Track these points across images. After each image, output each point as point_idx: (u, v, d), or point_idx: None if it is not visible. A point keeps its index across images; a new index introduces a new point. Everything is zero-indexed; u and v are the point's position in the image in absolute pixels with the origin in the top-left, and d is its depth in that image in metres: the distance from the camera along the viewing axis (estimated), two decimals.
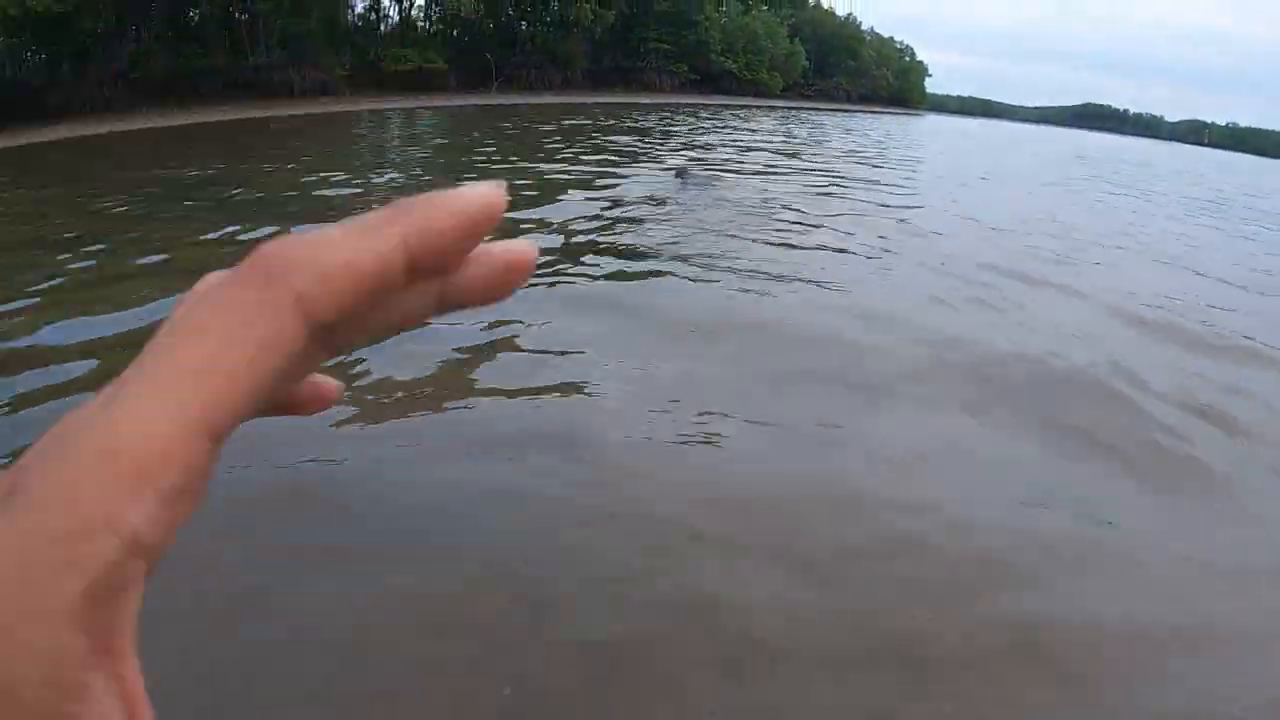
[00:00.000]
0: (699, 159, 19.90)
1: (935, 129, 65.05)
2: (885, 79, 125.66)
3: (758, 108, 71.78)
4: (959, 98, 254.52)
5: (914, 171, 21.48)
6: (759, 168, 18.86)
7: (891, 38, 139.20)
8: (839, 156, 24.84)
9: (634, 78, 75.19)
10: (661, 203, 12.24)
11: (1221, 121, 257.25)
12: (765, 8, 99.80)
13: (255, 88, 54.87)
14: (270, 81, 55.12)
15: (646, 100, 61.84)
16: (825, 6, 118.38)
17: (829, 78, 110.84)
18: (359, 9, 66.60)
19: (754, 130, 37.89)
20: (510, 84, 64.38)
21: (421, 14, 68.34)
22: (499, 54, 66.12)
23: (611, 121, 38.21)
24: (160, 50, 56.38)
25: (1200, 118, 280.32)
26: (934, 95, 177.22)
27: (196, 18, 57.36)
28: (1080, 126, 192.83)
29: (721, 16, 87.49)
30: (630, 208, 12.02)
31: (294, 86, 55.02)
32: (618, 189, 13.97)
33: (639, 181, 14.93)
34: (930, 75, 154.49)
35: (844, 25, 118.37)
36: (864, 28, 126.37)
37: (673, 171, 15.11)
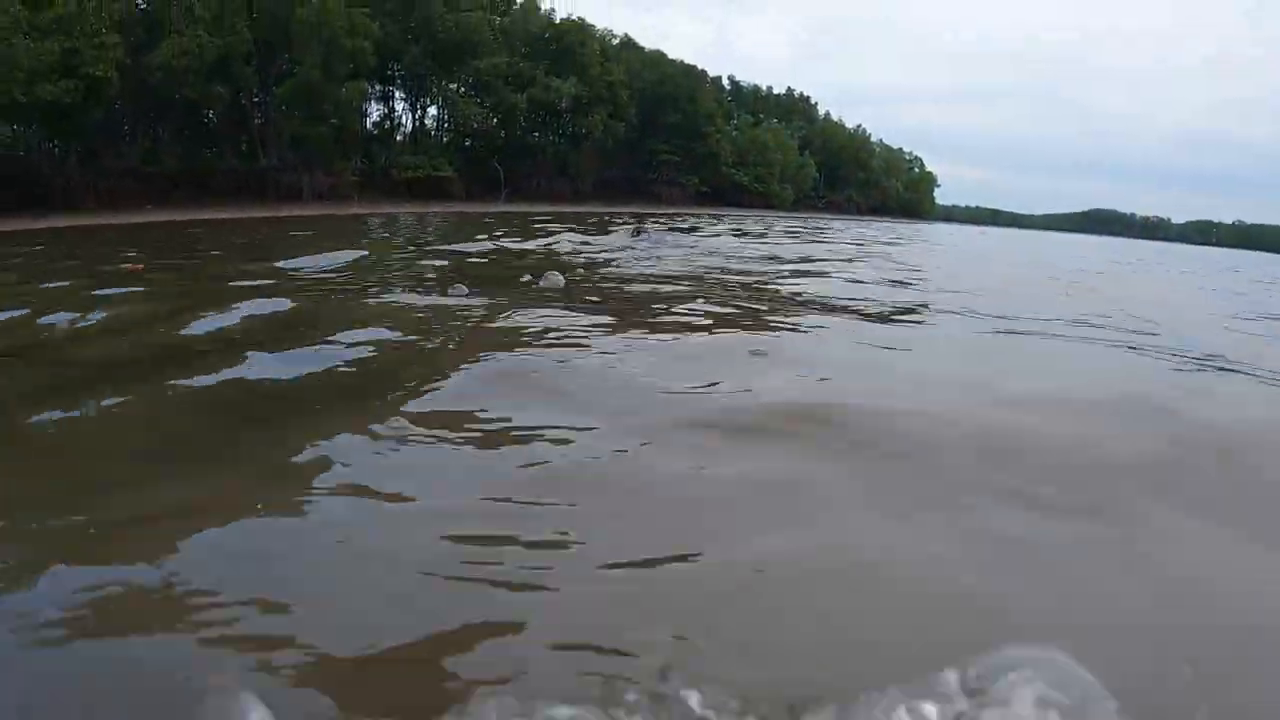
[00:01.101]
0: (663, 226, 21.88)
1: (943, 234, 63.72)
2: (895, 190, 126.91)
3: (764, 218, 71.74)
4: (967, 208, 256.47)
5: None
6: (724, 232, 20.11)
7: (900, 149, 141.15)
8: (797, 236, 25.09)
9: (645, 189, 75.84)
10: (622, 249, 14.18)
11: (1229, 220, 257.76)
12: (775, 121, 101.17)
13: (265, 190, 55.73)
14: (279, 184, 55.96)
15: (654, 210, 61.67)
16: (835, 119, 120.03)
17: (839, 190, 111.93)
18: (374, 117, 68.04)
19: (742, 227, 37.52)
20: (519, 194, 64.58)
21: (435, 123, 68.96)
22: (509, 164, 66.54)
23: (609, 219, 38.00)
24: (172, 148, 57.15)
25: (1208, 218, 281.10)
26: (943, 205, 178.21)
27: (213, 118, 58.09)
28: (1088, 231, 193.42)
29: (732, 129, 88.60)
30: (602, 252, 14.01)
31: (304, 190, 55.05)
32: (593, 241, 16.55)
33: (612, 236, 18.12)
34: (939, 185, 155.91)
35: (853, 137, 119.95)
36: (873, 139, 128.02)
37: (631, 229, 16.65)
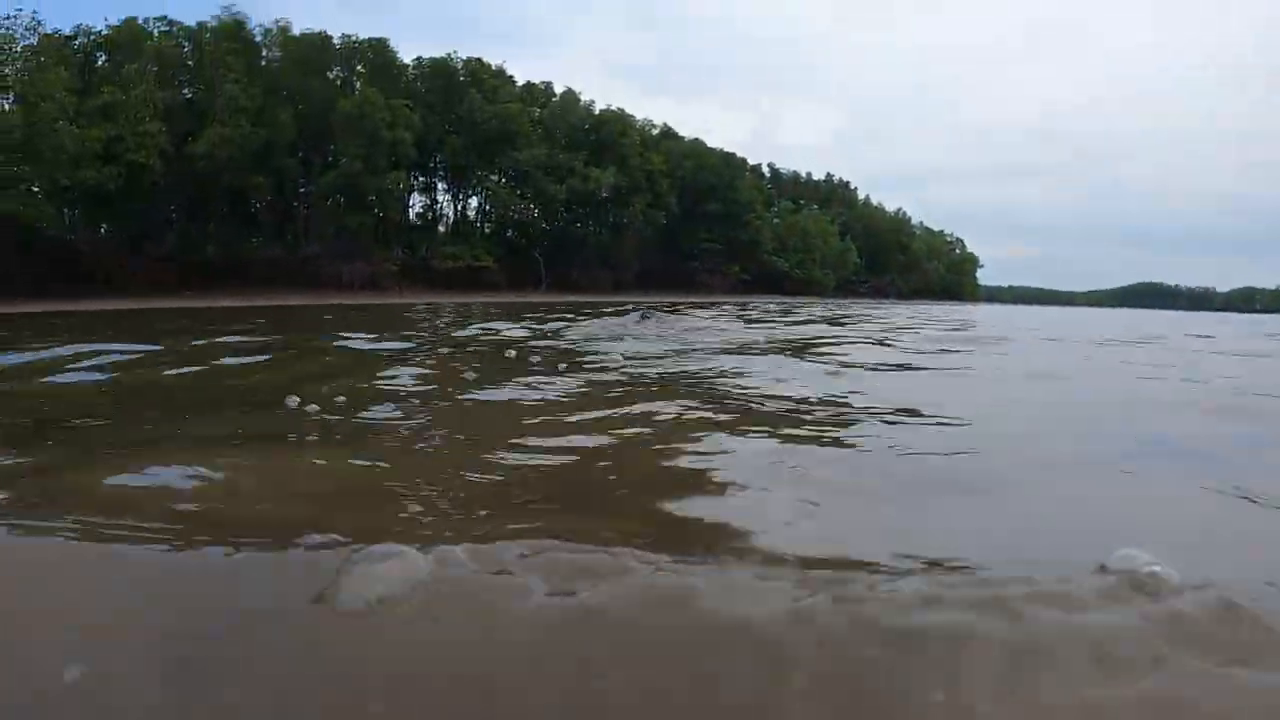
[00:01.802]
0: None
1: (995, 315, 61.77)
2: (937, 272, 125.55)
3: (803, 304, 70.55)
4: (1011, 288, 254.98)
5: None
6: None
7: (942, 231, 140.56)
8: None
9: (686, 278, 75.24)
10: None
11: (1271, 286, 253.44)
12: (816, 207, 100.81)
13: (305, 277, 55.57)
14: (320, 272, 55.78)
15: (693, 299, 60.73)
16: (874, 203, 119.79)
17: (881, 274, 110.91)
18: (417, 208, 68.79)
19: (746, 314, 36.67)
20: (561, 284, 64.16)
21: (476, 214, 69.26)
22: (550, 254, 66.41)
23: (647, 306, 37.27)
24: (215, 235, 57.71)
25: (1252, 284, 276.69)
26: (986, 286, 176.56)
27: (256, 206, 58.69)
28: (1132, 305, 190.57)
29: (772, 216, 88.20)
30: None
31: (343, 278, 54.96)
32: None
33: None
34: (982, 266, 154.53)
35: (894, 221, 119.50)
36: (914, 222, 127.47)
37: (637, 314, 17.29)
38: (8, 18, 49.67)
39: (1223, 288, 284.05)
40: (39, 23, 50.70)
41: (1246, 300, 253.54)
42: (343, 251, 56.62)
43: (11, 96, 48.80)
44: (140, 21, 55.94)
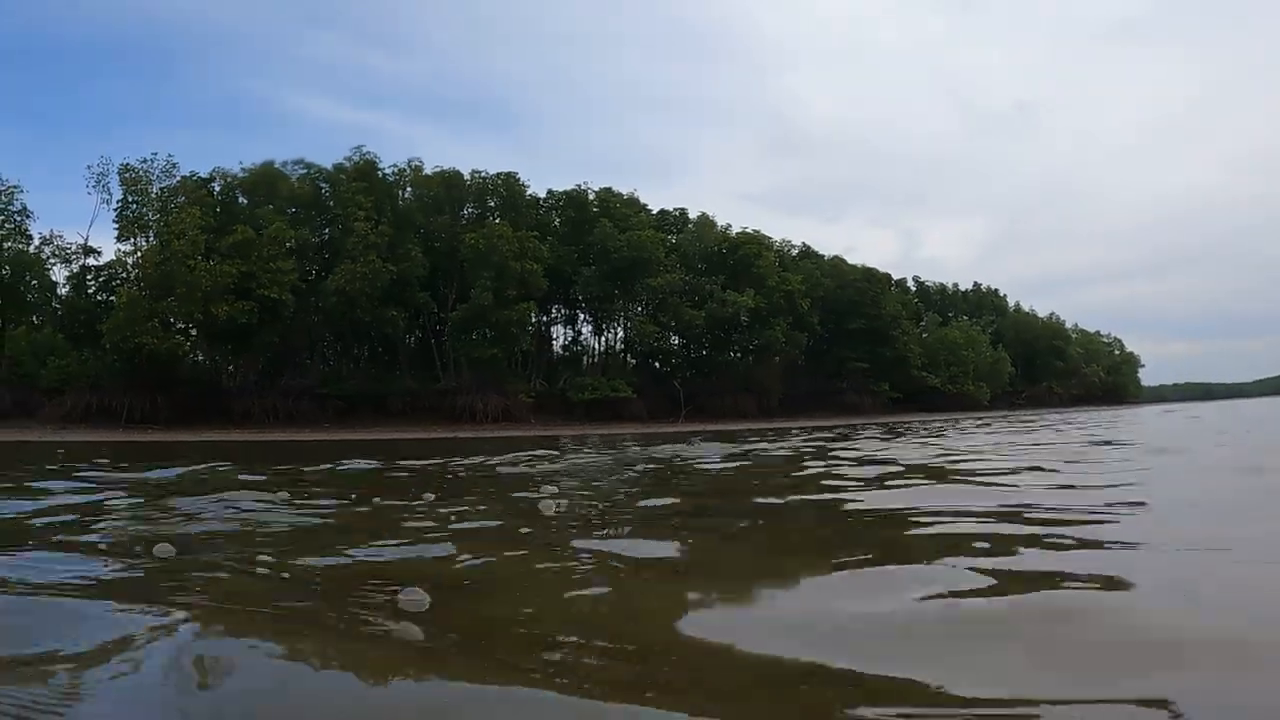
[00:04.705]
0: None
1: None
2: (1096, 375, 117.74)
3: (957, 420, 65.24)
4: (1175, 385, 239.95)
5: None
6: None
7: (1098, 332, 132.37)
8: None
9: (833, 400, 71.19)
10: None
11: None
12: (965, 318, 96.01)
13: (440, 410, 54.82)
14: (454, 406, 54.85)
15: (842, 421, 56.41)
16: (1026, 309, 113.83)
17: (1037, 382, 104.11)
18: (562, 342, 69.36)
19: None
20: (703, 412, 61.26)
21: (618, 344, 68.19)
22: (691, 381, 64.27)
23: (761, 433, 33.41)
24: (354, 369, 58.03)
25: None
26: (1150, 386, 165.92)
27: (392, 342, 58.82)
28: None
29: (920, 331, 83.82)
30: None
31: (478, 412, 53.76)
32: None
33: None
34: (1143, 365, 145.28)
35: (1047, 326, 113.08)
36: (1068, 325, 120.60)
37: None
38: (144, 161, 51.43)
39: None
40: (174, 165, 52.33)
41: None
42: (478, 384, 55.65)
43: (150, 235, 50.40)
44: (278, 164, 57.05)
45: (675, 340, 67.75)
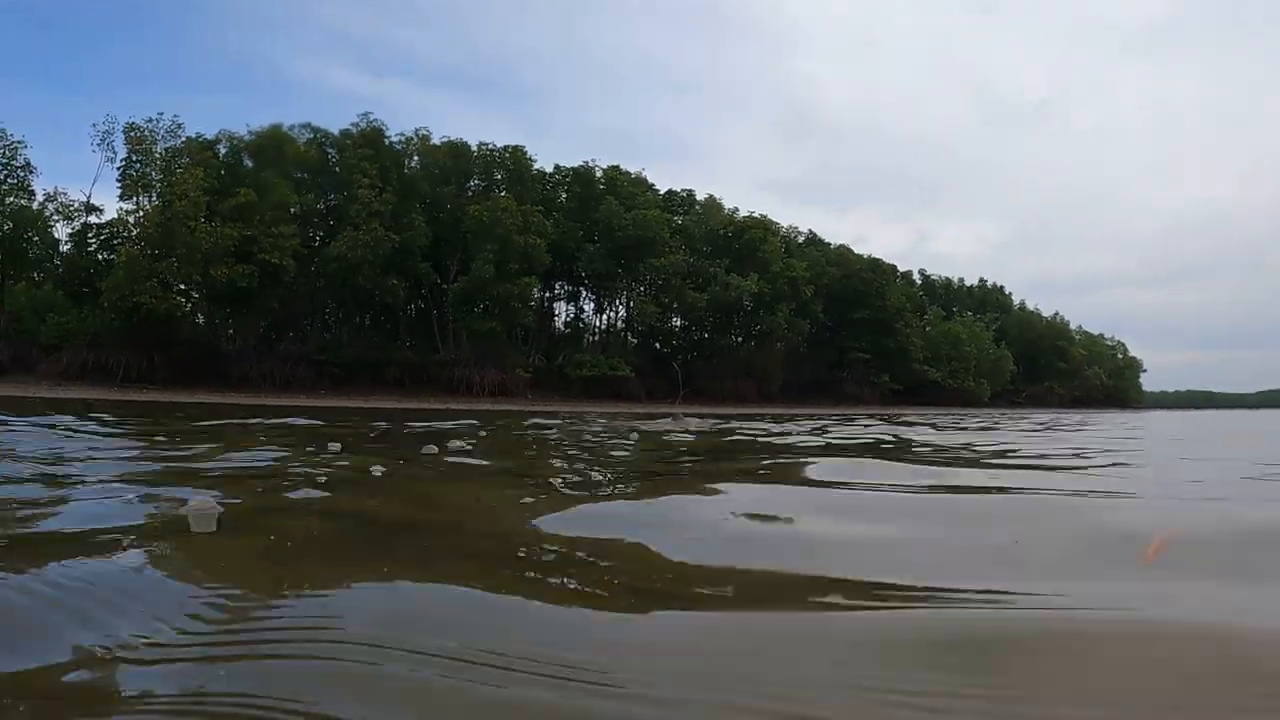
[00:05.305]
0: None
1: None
2: (1098, 378, 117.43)
3: (951, 414, 64.73)
4: (1177, 392, 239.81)
5: None
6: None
7: (1101, 335, 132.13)
8: None
9: (834, 389, 70.98)
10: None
11: None
12: (969, 313, 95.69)
13: (438, 382, 54.93)
14: (451, 377, 54.94)
15: (840, 411, 56.01)
16: (1030, 308, 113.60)
17: (1039, 381, 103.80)
18: (564, 318, 69.19)
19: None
20: (701, 395, 61.00)
21: (619, 323, 67.97)
22: (691, 364, 64.05)
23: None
24: (353, 337, 57.80)
25: None
26: (1151, 392, 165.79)
27: (392, 311, 58.56)
28: None
29: (924, 324, 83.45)
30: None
31: (475, 384, 53.78)
32: None
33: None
34: (1145, 370, 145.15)
35: (1051, 326, 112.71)
36: (1072, 327, 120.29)
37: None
38: (149, 121, 51.22)
39: None
40: (179, 125, 52.10)
41: None
42: (477, 357, 55.63)
43: (153, 195, 50.22)
44: (286, 128, 56.57)
45: (677, 322, 67.58)
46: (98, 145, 52.52)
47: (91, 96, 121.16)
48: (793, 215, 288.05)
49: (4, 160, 51.70)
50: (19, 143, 51.99)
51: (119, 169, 51.51)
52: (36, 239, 53.89)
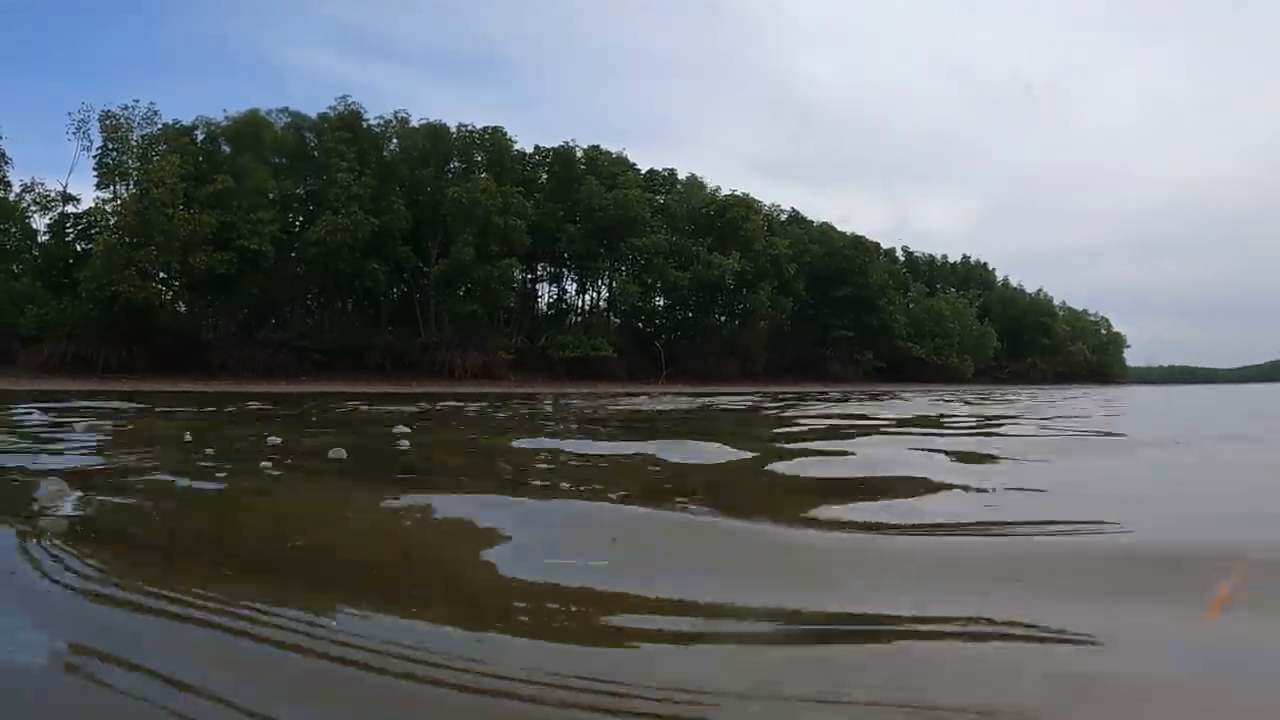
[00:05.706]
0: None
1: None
2: (1082, 354, 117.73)
3: (937, 391, 64.99)
4: (1160, 367, 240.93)
5: None
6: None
7: (1085, 311, 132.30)
8: None
9: (817, 367, 71.19)
10: None
11: None
12: (953, 290, 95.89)
13: (420, 366, 54.91)
14: (434, 361, 54.99)
15: (822, 388, 56.15)
16: (1014, 284, 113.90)
17: (1022, 357, 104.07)
18: (547, 299, 69.04)
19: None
20: (684, 374, 61.12)
21: (602, 303, 68.10)
22: (675, 343, 64.10)
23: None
24: (334, 323, 57.56)
25: None
26: (1135, 367, 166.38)
27: (373, 295, 58.34)
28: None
29: (907, 301, 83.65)
30: None
31: (456, 367, 53.93)
32: None
33: None
34: (1129, 346, 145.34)
35: (1035, 302, 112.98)
36: (1056, 303, 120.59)
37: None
38: (125, 108, 50.91)
39: None
40: (155, 112, 51.78)
41: None
42: (459, 340, 55.62)
43: (130, 183, 49.95)
44: (264, 113, 56.26)
45: (659, 301, 67.63)
46: (73, 133, 52.15)
47: (69, 83, 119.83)
48: (776, 194, 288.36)
49: None
50: None
51: (95, 157, 51.13)
52: (14, 230, 53.42)
